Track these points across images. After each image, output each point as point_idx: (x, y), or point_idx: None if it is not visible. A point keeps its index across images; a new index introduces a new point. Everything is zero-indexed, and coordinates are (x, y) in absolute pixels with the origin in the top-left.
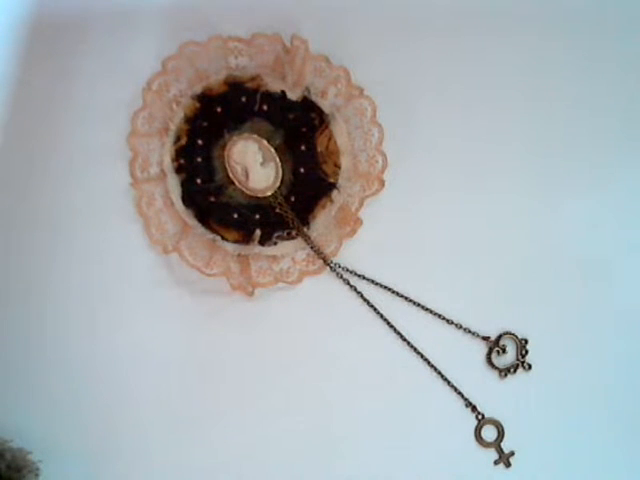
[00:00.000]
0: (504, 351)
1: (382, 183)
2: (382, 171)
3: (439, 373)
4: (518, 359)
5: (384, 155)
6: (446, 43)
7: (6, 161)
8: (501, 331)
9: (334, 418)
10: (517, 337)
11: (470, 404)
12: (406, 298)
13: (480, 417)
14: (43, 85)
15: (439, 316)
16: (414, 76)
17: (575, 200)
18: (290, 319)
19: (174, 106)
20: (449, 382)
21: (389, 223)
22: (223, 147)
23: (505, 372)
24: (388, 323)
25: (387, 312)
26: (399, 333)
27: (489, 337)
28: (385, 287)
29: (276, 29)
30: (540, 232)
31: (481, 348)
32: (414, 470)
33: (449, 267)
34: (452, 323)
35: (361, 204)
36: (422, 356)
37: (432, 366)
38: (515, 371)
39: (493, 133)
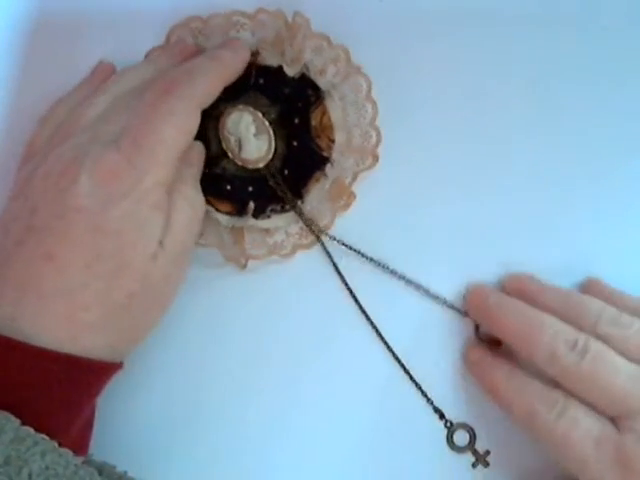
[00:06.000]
0: None
1: (376, 158)
2: (376, 146)
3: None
4: None
5: (378, 130)
6: (449, 31)
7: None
8: None
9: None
10: None
11: None
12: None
13: None
14: None
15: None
16: (415, 56)
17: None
18: (281, 291)
19: None
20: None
21: (384, 198)
22: (217, 118)
23: None
24: (363, 312)
25: (373, 290)
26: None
27: None
28: (377, 263)
29: (280, 5)
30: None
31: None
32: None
33: (445, 245)
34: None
35: (354, 178)
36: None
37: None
38: None
39: (493, 117)
